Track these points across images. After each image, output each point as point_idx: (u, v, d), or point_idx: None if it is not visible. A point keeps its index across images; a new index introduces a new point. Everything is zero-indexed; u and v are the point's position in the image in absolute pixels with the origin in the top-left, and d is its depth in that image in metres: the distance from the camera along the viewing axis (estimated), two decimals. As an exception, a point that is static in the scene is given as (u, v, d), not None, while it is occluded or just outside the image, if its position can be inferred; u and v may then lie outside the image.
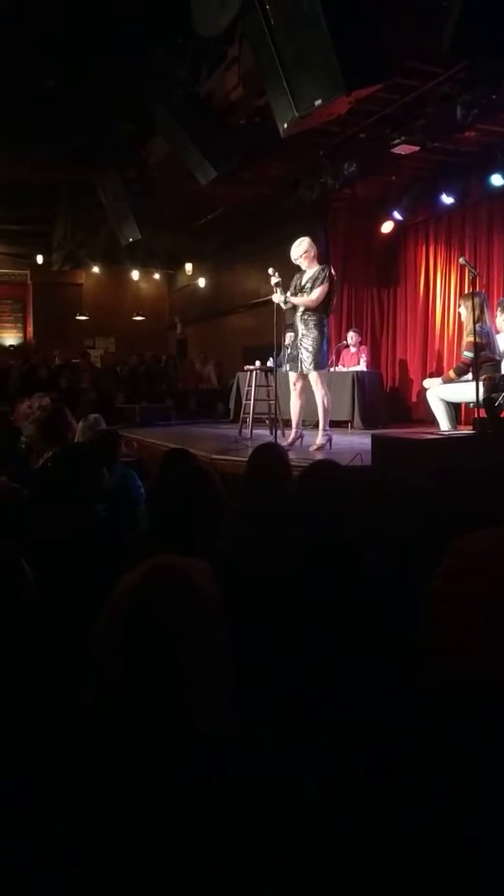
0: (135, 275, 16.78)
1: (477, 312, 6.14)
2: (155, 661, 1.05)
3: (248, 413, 8.27)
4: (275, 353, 7.83)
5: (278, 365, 7.89)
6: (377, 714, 1.35)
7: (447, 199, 9.40)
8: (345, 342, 10.47)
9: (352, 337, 10.35)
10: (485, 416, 5.54)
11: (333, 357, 10.32)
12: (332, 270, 6.79)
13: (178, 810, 0.98)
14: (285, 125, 5.31)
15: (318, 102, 4.88)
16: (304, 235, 6.94)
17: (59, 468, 2.88)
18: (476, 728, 1.01)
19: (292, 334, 6.85)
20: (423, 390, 7.87)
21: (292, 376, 6.97)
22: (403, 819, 1.01)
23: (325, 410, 6.90)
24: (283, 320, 7.70)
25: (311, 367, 6.70)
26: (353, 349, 10.25)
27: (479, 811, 0.98)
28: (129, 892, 0.94)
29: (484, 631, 1.08)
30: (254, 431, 8.07)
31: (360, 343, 10.43)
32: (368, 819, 1.02)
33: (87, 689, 1.09)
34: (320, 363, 6.75)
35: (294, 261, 6.80)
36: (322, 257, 10.46)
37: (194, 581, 1.14)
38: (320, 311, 6.71)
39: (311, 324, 6.70)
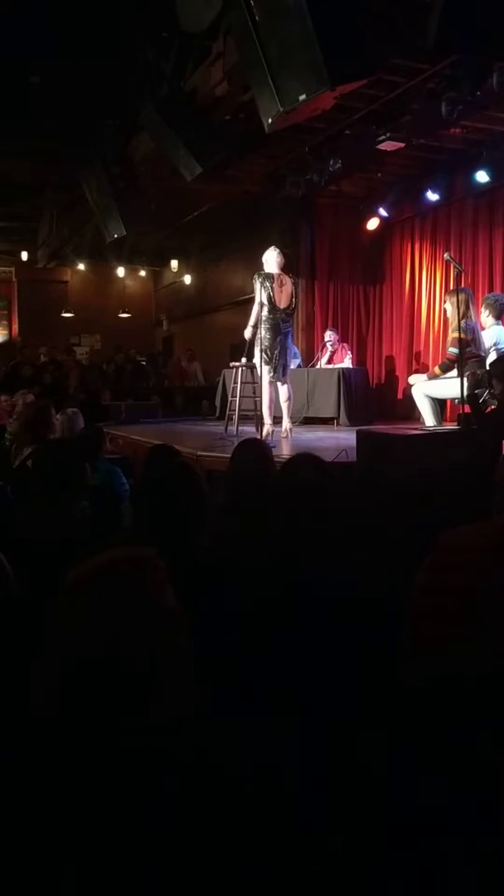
0: (120, 272, 16.74)
1: (462, 309, 6.16)
2: (103, 657, 1.04)
3: (234, 410, 8.27)
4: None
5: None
6: (362, 707, 1.34)
7: (432, 196, 9.41)
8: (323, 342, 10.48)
9: (329, 335, 10.36)
10: (469, 412, 5.55)
11: (318, 354, 10.35)
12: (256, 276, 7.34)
13: (133, 800, 0.97)
14: (270, 120, 5.29)
15: (302, 98, 4.86)
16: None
17: (41, 464, 2.86)
18: (461, 723, 1.01)
19: (270, 337, 7.23)
20: (408, 387, 7.89)
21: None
22: (388, 816, 1.00)
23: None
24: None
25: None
26: (330, 348, 10.25)
27: (468, 807, 0.97)
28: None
29: (469, 625, 1.08)
30: (240, 428, 8.07)
31: (339, 341, 10.41)
32: (349, 809, 1.01)
33: (39, 685, 1.08)
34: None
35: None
36: (308, 254, 10.56)
37: (145, 573, 1.12)
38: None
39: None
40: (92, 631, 1.06)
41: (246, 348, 7.68)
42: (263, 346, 7.16)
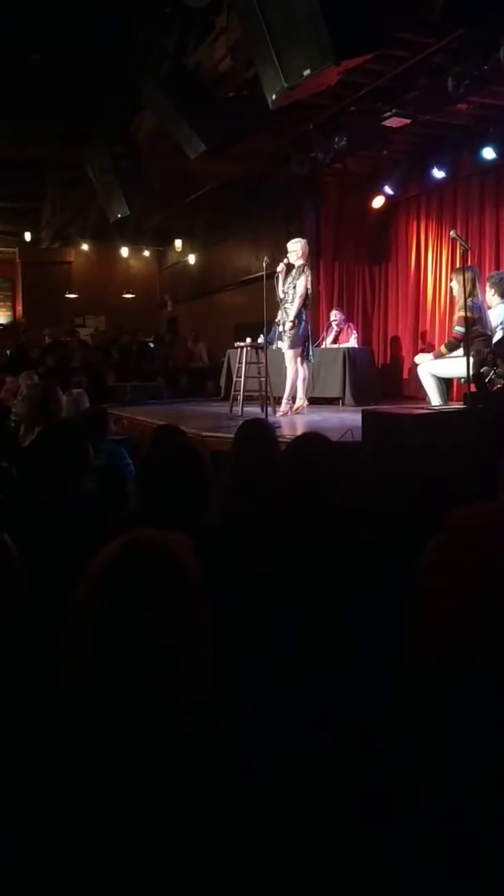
0: (124, 252, 16.65)
1: (469, 287, 6.11)
2: (132, 632, 1.04)
3: (239, 390, 8.25)
4: (265, 329, 7.85)
5: (269, 342, 8.00)
6: (369, 686, 1.34)
7: (438, 174, 9.31)
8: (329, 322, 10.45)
9: (335, 315, 10.31)
10: (475, 390, 5.53)
11: (324, 333, 10.30)
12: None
13: (152, 779, 0.97)
14: (273, 97, 5.23)
15: (306, 73, 4.80)
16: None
17: (43, 444, 2.85)
18: (467, 700, 1.00)
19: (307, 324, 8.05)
20: (414, 366, 7.87)
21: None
22: (392, 790, 1.00)
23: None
24: (274, 297, 7.79)
25: None
26: (335, 327, 10.21)
27: (471, 783, 0.97)
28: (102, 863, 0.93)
29: (475, 604, 1.07)
30: (245, 409, 8.05)
31: (345, 321, 10.36)
32: (354, 788, 1.01)
33: (65, 660, 1.08)
34: None
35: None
36: (313, 233, 10.59)
37: (173, 552, 1.12)
38: None
39: None
40: (118, 609, 1.06)
41: (274, 331, 8.23)
42: (307, 333, 7.83)
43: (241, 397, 8.20)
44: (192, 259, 15.88)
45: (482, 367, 5.66)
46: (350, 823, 0.97)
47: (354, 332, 10.29)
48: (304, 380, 7.98)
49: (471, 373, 5.61)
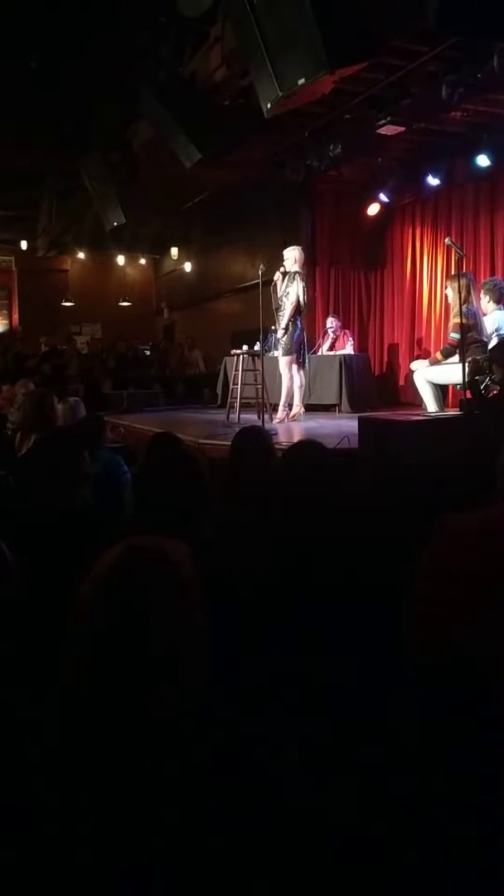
0: (120, 260, 16.67)
1: (464, 294, 6.13)
2: (130, 638, 1.04)
3: (236, 398, 8.27)
4: (261, 337, 7.87)
5: (267, 350, 8.03)
6: (367, 690, 1.34)
7: (433, 181, 9.36)
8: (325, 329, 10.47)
9: (331, 322, 10.33)
10: (471, 397, 5.54)
11: (320, 340, 10.31)
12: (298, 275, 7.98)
13: (150, 782, 0.97)
14: (269, 105, 5.26)
15: (301, 82, 4.82)
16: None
17: (40, 452, 2.85)
18: (461, 705, 1.01)
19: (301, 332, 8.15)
20: (410, 373, 7.89)
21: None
22: (390, 791, 1.00)
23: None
24: (270, 304, 7.81)
25: None
26: (331, 334, 10.23)
27: (465, 786, 0.97)
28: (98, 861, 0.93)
29: (470, 609, 1.08)
30: (242, 416, 8.06)
31: (341, 328, 10.38)
32: (352, 791, 1.01)
33: (64, 666, 1.08)
34: None
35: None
36: (308, 240, 10.62)
37: (171, 559, 1.12)
38: None
39: None
40: (117, 616, 1.06)
41: (271, 339, 8.39)
42: (302, 340, 7.95)
43: (237, 404, 8.22)
44: (188, 266, 15.90)
45: (477, 374, 5.67)
46: (348, 825, 0.98)
47: (350, 338, 10.32)
48: (300, 387, 7.99)
49: (466, 379, 5.62)
